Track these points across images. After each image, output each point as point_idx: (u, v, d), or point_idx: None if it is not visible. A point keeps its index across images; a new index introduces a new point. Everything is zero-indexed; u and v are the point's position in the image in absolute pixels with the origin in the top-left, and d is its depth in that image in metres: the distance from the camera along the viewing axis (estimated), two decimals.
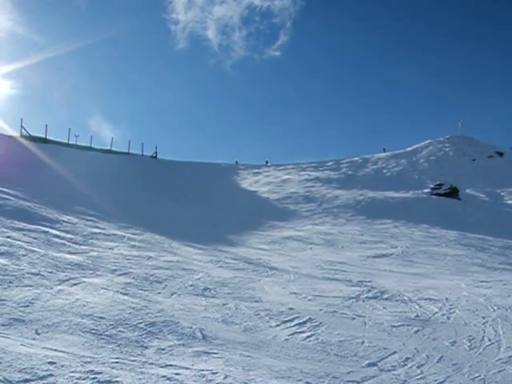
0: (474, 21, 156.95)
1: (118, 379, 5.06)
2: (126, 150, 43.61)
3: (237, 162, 50.65)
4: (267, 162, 49.95)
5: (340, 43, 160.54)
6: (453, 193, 35.63)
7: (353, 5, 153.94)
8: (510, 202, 35.96)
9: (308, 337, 8.04)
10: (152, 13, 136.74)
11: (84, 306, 7.74)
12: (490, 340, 8.63)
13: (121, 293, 9.06)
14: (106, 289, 9.14)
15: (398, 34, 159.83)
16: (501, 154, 52.33)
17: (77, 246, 12.97)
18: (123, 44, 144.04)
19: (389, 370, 6.76)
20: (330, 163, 47.89)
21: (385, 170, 45.45)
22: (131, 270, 11.17)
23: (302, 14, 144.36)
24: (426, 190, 36.78)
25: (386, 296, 11.66)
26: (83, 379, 4.93)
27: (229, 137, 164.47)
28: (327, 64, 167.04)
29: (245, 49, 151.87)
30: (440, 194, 35.25)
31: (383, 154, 51.77)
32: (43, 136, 38.45)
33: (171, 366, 5.85)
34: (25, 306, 7.18)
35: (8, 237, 11.76)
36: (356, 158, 49.82)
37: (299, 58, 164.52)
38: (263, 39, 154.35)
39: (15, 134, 37.07)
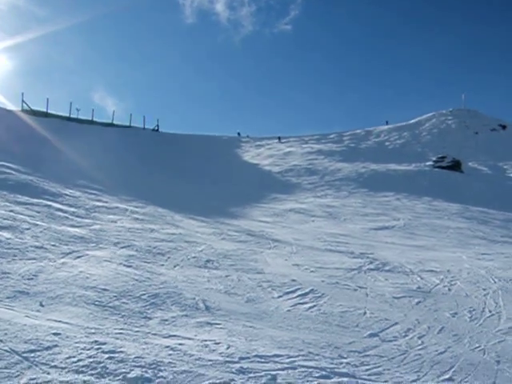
0: None
1: (122, 349, 5.11)
2: (128, 124, 43.52)
3: (239, 134, 50.28)
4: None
5: (347, 18, 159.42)
6: (455, 166, 35.58)
7: None
8: None
9: (310, 308, 8.10)
10: None
11: (87, 278, 7.79)
12: (490, 311, 8.68)
13: (124, 265, 9.11)
14: (109, 261, 9.19)
15: (401, 8, 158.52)
16: (504, 127, 52.05)
17: (79, 220, 13.01)
18: (128, 17, 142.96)
19: (390, 341, 6.82)
20: (332, 136, 47.72)
21: (387, 143, 45.31)
22: (134, 243, 11.22)
23: None
24: (428, 163, 36.71)
25: (387, 268, 11.71)
26: (88, 349, 4.98)
27: (233, 110, 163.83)
28: (334, 38, 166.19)
29: (254, 23, 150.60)
30: (442, 167, 35.19)
31: (386, 127, 51.52)
32: (44, 110, 38.36)
33: (174, 336, 5.90)
34: (29, 279, 7.24)
35: (11, 211, 11.81)
36: (358, 131, 49.62)
37: (309, 32, 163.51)
38: (274, 13, 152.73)
39: (16, 108, 36.99)
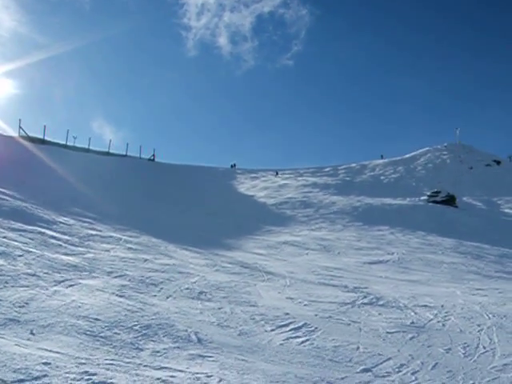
0: (473, 31, 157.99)
1: (112, 381, 5.06)
2: (124, 153, 43.68)
3: (234, 165, 50.45)
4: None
5: (346, 53, 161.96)
6: (450, 200, 35.62)
7: (363, 14, 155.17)
8: (506, 210, 35.99)
9: (303, 342, 8.04)
10: (160, 17, 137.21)
11: (79, 307, 7.73)
12: (484, 348, 8.63)
13: (116, 295, 9.05)
14: (101, 291, 9.13)
15: (397, 44, 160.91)
16: (498, 163, 52.42)
17: (73, 248, 12.95)
18: (129, 46, 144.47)
19: (383, 376, 6.76)
20: (327, 169, 47.94)
21: (382, 177, 45.50)
22: (127, 273, 11.16)
23: (317, 24, 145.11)
24: (423, 198, 36.81)
25: (381, 302, 11.66)
26: (78, 380, 4.92)
27: (230, 142, 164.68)
28: (333, 73, 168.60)
29: (256, 58, 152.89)
30: (437, 202, 35.24)
31: (381, 161, 51.85)
32: (41, 137, 38.48)
33: (166, 368, 5.84)
34: (20, 307, 7.17)
35: (4, 237, 11.74)
36: (354, 165, 49.88)
37: (310, 67, 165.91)
38: (277, 48, 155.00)
39: (15, 134, 37.03)
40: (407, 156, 53.70)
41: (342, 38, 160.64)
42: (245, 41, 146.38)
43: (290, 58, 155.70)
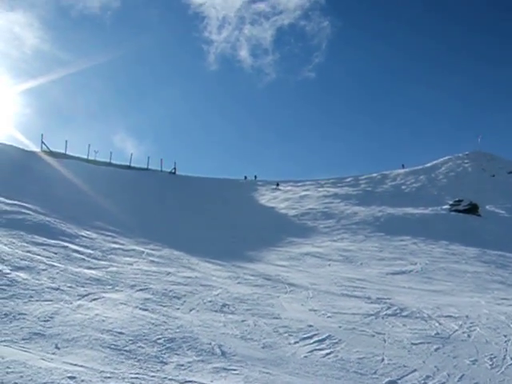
0: (494, 39, 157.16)
1: None
2: (145, 166, 43.98)
3: (255, 177, 50.55)
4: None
5: (367, 63, 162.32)
6: (472, 209, 35.31)
7: (384, 26, 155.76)
8: None
9: (327, 354, 8.00)
10: (182, 31, 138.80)
11: (103, 321, 7.76)
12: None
13: (140, 308, 9.07)
14: (125, 304, 9.16)
15: (419, 53, 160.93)
16: None
17: (96, 261, 13.02)
18: (151, 60, 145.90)
19: None
20: (348, 179, 47.78)
21: (403, 186, 45.20)
22: (150, 286, 11.19)
23: (339, 35, 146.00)
24: (445, 207, 36.51)
25: (405, 313, 11.57)
26: None
27: (251, 155, 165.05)
28: (354, 84, 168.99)
29: (278, 71, 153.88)
30: (459, 211, 34.95)
31: (402, 170, 51.52)
32: (63, 152, 38.97)
33: (190, 382, 5.84)
34: (45, 321, 7.22)
35: (28, 251, 11.84)
36: (375, 174, 49.62)
37: (331, 78, 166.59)
38: (298, 60, 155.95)
39: (36, 149, 37.55)
40: (428, 165, 53.30)
41: (362, 49, 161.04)
42: (266, 54, 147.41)
43: (312, 70, 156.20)
